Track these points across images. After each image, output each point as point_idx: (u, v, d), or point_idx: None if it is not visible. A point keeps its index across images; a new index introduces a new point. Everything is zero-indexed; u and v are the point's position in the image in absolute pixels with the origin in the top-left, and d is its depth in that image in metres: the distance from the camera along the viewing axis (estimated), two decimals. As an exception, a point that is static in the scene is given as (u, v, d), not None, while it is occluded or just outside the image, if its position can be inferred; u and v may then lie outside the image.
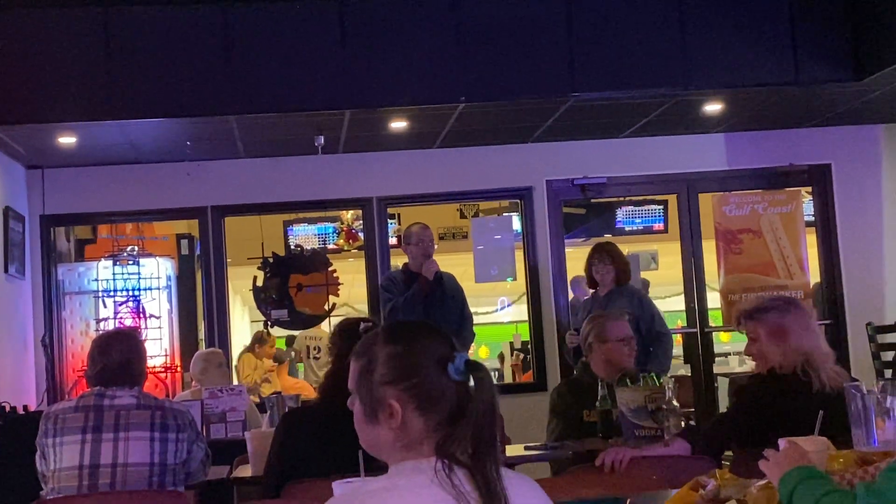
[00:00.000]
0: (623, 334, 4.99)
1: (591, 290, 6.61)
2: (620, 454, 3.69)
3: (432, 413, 1.86)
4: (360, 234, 9.04)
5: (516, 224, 8.60)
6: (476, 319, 14.85)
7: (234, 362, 8.92)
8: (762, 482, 2.48)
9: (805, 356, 3.75)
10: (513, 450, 4.61)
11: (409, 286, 6.58)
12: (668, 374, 5.79)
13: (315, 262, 8.45)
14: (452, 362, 1.88)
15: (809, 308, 4.02)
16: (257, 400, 7.19)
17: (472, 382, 1.91)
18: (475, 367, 1.89)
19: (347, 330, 3.74)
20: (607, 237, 9.45)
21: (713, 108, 7.43)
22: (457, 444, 1.83)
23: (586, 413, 4.88)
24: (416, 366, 1.89)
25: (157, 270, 8.22)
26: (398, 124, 7.29)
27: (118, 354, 4.01)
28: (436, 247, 6.80)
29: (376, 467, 2.15)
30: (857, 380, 3.29)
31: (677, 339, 10.78)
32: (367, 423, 1.93)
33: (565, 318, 8.02)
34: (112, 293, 8.04)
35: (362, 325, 3.66)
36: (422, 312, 6.26)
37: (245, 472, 4.52)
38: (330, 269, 8.36)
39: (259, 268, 8.33)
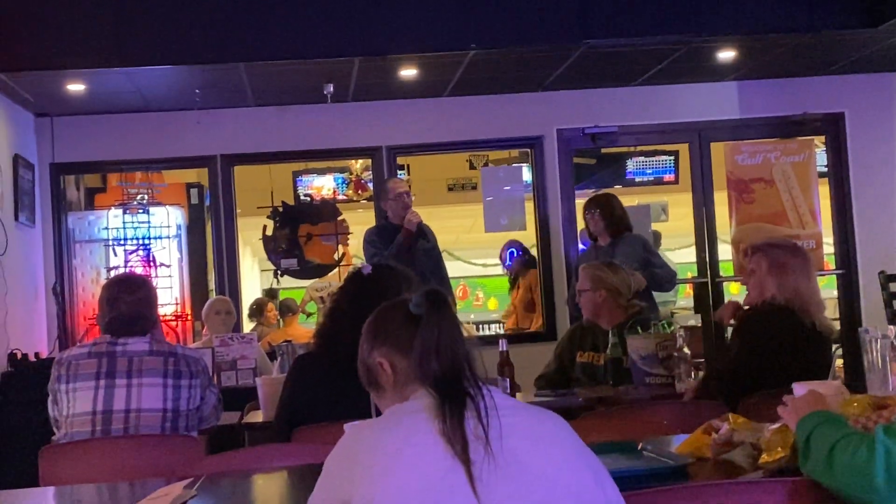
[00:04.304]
0: (579, 286, 5.11)
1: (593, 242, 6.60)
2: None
3: (412, 351, 2.01)
4: (370, 185, 9.02)
5: (526, 175, 8.57)
6: (485, 272, 14.87)
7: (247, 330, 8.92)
8: (776, 425, 2.47)
9: (799, 296, 3.97)
10: (522, 397, 4.63)
11: (392, 239, 6.50)
12: (679, 325, 5.81)
13: (324, 212, 8.46)
14: (411, 301, 2.05)
15: (814, 261, 4.25)
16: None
17: None
18: (432, 297, 2.04)
19: (352, 274, 3.82)
20: (617, 188, 9.43)
21: (726, 55, 7.35)
22: (428, 370, 1.98)
23: (580, 353, 4.96)
24: (385, 320, 2.11)
25: (167, 219, 8.22)
26: (408, 72, 7.23)
27: (128, 303, 4.00)
28: (413, 197, 6.71)
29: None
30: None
31: (687, 290, 10.79)
32: (377, 395, 2.14)
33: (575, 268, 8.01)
34: (122, 242, 8.06)
35: (362, 265, 3.72)
36: (407, 263, 6.19)
37: (256, 417, 4.55)
38: (339, 218, 8.36)
39: (269, 217, 8.33)
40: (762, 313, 4.03)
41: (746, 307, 4.21)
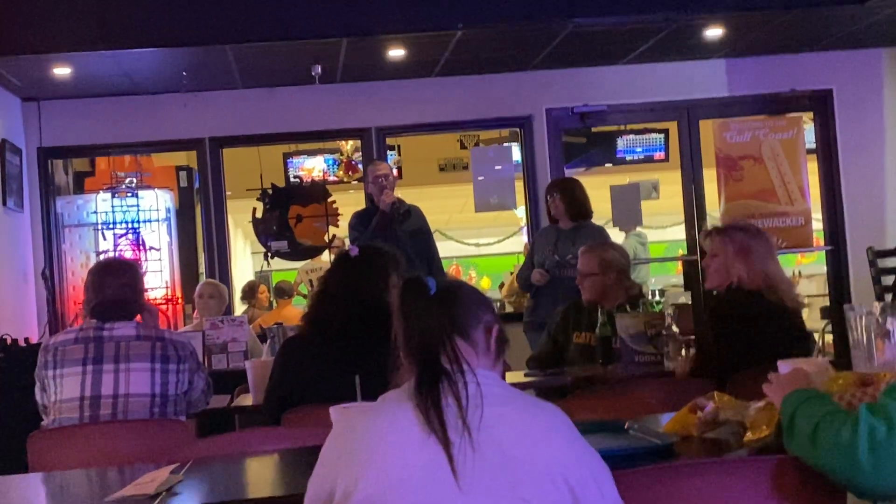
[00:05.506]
0: (582, 269, 5.01)
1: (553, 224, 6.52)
2: None
3: (402, 343, 2.06)
4: (360, 166, 9.00)
5: (516, 155, 8.56)
6: (477, 251, 14.85)
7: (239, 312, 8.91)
8: (760, 403, 2.48)
9: (768, 278, 4.03)
10: (512, 377, 4.62)
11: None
12: (669, 303, 5.80)
13: (314, 194, 8.43)
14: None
15: (774, 241, 4.30)
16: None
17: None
18: (404, 287, 2.10)
19: (339, 256, 3.80)
20: (608, 167, 9.43)
21: (714, 32, 7.34)
22: (410, 357, 2.02)
23: (576, 335, 4.95)
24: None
25: (157, 203, 8.19)
26: (396, 52, 7.21)
27: (114, 288, 3.97)
28: (392, 179, 6.58)
29: (372, 394, 2.18)
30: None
31: (678, 268, 10.80)
32: None
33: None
34: (111, 225, 8.04)
35: (349, 247, 3.71)
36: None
37: (246, 400, 4.54)
38: (329, 199, 8.34)
39: (258, 199, 8.31)
40: (731, 300, 4.07)
41: (714, 292, 4.24)
